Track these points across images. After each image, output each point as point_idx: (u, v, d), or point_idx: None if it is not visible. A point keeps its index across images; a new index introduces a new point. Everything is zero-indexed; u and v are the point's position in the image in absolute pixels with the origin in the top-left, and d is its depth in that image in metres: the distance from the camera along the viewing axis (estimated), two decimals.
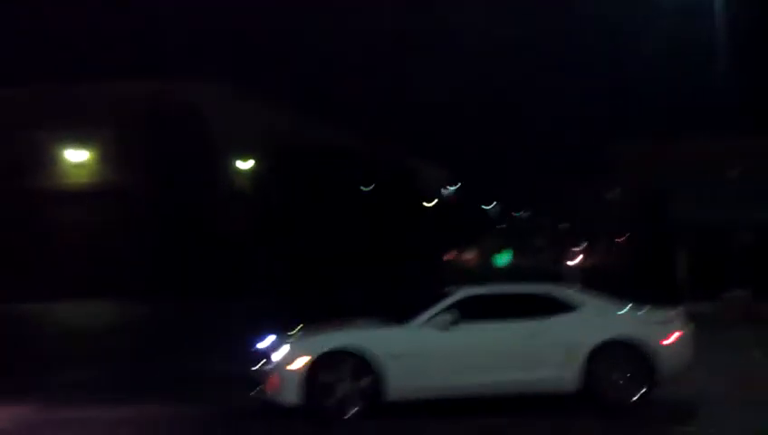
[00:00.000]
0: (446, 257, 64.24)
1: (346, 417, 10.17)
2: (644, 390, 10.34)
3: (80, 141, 37.28)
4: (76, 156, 37.40)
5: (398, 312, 11.48)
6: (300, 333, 11.15)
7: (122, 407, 11.49)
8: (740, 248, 28.90)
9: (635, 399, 10.26)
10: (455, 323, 10.59)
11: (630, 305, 11.27)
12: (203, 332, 21.49)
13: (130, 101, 35.71)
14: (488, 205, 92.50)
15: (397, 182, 50.80)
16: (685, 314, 11.16)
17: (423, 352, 10.51)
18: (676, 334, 10.77)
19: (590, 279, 11.80)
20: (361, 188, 48.18)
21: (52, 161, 37.69)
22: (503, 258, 74.59)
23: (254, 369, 10.78)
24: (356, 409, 10.24)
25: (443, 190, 65.67)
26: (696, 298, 28.17)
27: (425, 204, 58.55)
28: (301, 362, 10.28)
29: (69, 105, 36.31)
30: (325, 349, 10.37)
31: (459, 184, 72.54)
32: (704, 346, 11.39)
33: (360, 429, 9.74)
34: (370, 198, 48.93)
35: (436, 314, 10.72)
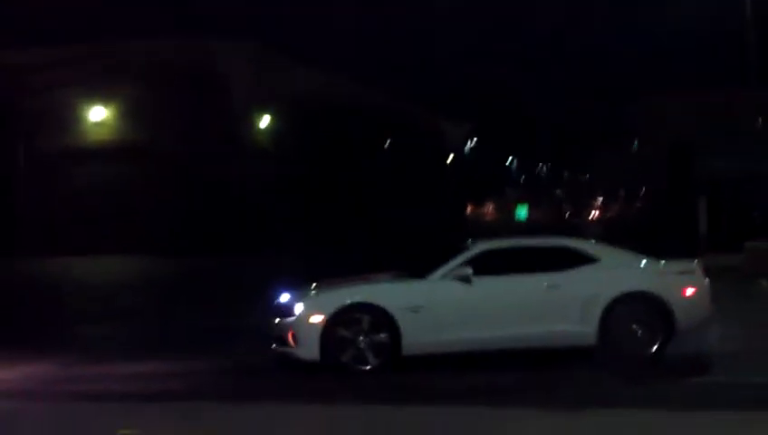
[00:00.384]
0: (465, 211, 64.23)
1: (364, 371, 10.21)
2: (661, 342, 10.31)
3: (103, 100, 37.31)
4: (99, 114, 37.45)
5: (417, 266, 11.49)
6: (318, 288, 11.17)
7: (142, 362, 11.61)
8: (763, 200, 28.71)
9: (653, 351, 10.23)
10: (473, 276, 10.56)
11: (649, 258, 11.21)
12: (225, 287, 21.64)
13: (153, 58, 35.64)
14: (508, 158, 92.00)
15: (418, 138, 50.64)
16: (704, 266, 11.09)
17: (441, 306, 10.51)
18: (695, 287, 10.71)
19: (609, 232, 11.73)
20: (383, 144, 48.10)
21: (76, 120, 37.78)
22: (522, 212, 74.47)
23: (273, 324, 10.83)
24: (374, 363, 10.28)
25: (464, 145, 65.37)
26: (719, 250, 28.12)
27: (446, 160, 58.37)
28: (318, 317, 10.31)
29: (91, 63, 36.29)
30: (343, 304, 10.39)
31: (479, 138, 72.15)
32: (724, 298, 11.34)
33: (377, 383, 9.77)
34: (391, 155, 48.87)
35: (455, 268, 10.69)
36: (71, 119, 37.63)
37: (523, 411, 8.23)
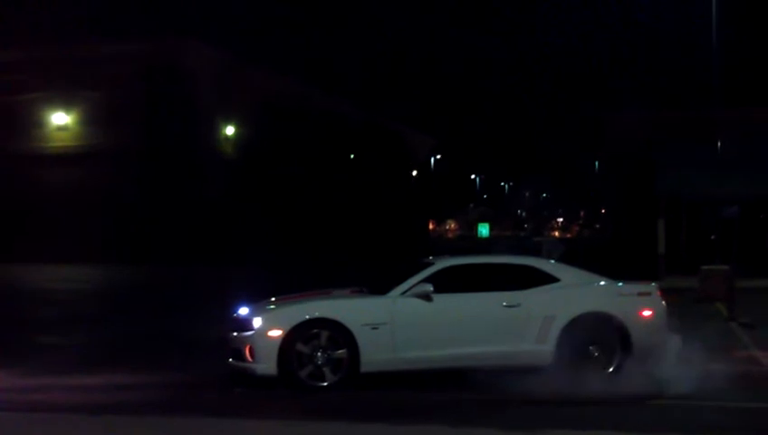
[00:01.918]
0: (428, 228, 64.34)
1: (321, 387, 10.14)
2: (618, 363, 10.37)
3: (64, 103, 36.80)
4: (60, 118, 36.96)
5: (377, 282, 11.45)
6: (277, 302, 11.09)
7: (93, 374, 11.41)
8: (723, 223, 29.02)
9: (609, 372, 10.28)
10: (434, 293, 10.55)
11: (607, 279, 11.29)
12: (186, 297, 21.47)
13: (118, 62, 35.27)
14: (472, 175, 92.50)
15: (383, 150, 50.70)
16: (661, 289, 11.18)
17: (401, 323, 10.47)
18: (653, 309, 10.79)
19: (571, 251, 11.82)
20: (348, 157, 48.11)
21: (38, 124, 37.27)
22: (483, 229, 74.85)
23: (230, 337, 10.73)
24: (331, 380, 10.22)
25: (429, 161, 65.58)
26: (677, 272, 28.42)
27: (410, 175, 58.47)
28: (277, 332, 10.23)
29: (54, 65, 35.85)
30: (302, 319, 10.32)
31: (444, 153, 72.48)
32: (681, 319, 11.43)
33: (333, 400, 9.72)
34: (356, 168, 48.87)
35: (416, 285, 10.68)
36: (32, 123, 37.16)
37: (482, 431, 8.21)
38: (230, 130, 39.10)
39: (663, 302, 10.97)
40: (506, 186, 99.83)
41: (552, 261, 11.54)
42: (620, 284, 11.23)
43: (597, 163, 41.57)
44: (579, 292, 10.91)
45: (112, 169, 35.13)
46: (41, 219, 34.97)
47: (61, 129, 36.95)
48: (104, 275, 25.70)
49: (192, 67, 35.97)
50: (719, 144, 29.65)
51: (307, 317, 10.35)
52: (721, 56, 29.62)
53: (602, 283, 11.20)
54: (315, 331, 10.29)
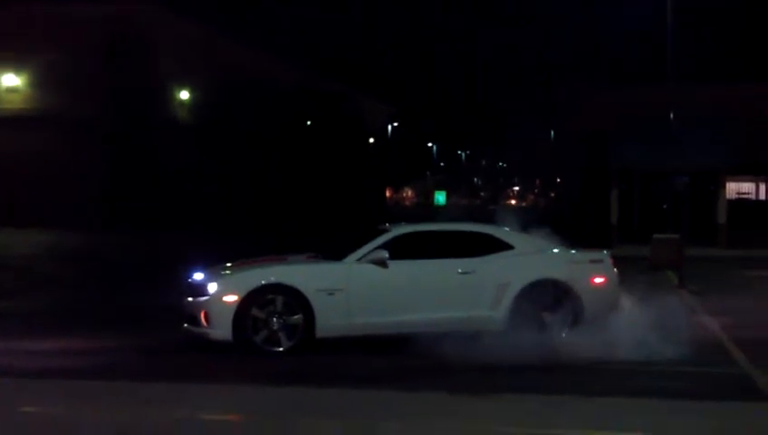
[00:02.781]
0: (385, 195, 64.42)
1: (276, 352, 10.19)
2: (570, 329, 10.54)
3: (18, 65, 35.97)
4: (12, 80, 36.13)
5: (333, 248, 11.50)
6: (232, 267, 11.09)
7: (53, 338, 11.38)
8: (674, 194, 29.52)
9: (561, 337, 10.44)
10: (389, 260, 10.62)
11: (561, 247, 11.45)
12: (142, 264, 21.33)
13: (74, 23, 34.53)
14: (429, 143, 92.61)
15: (340, 118, 50.55)
16: (613, 256, 11.38)
17: (356, 289, 10.54)
18: (604, 276, 10.99)
19: (525, 220, 11.95)
20: (305, 124, 47.89)
21: None
22: (440, 197, 75.11)
23: (186, 303, 10.71)
24: (287, 345, 10.26)
25: (386, 129, 65.53)
26: (629, 241, 28.87)
27: (367, 142, 58.40)
28: (232, 298, 10.25)
29: (8, 26, 35.00)
30: (257, 284, 10.34)
31: (401, 121, 72.45)
32: (631, 287, 11.66)
33: (288, 365, 9.77)
34: (313, 133, 48.69)
35: (371, 251, 10.73)
36: None
37: (432, 395, 8.33)
38: (188, 98, 38.66)
39: (614, 269, 11.18)
40: (463, 154, 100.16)
41: (507, 229, 11.68)
42: (573, 251, 11.41)
43: (552, 133, 41.89)
44: (532, 259, 11.06)
45: (69, 135, 34.54)
46: None
47: (11, 91, 36.21)
48: (57, 242, 25.35)
49: (154, 33, 35.40)
50: (671, 117, 30.05)
51: (263, 283, 10.37)
52: (674, 31, 29.92)
53: (555, 250, 11.36)
54: (271, 296, 10.32)
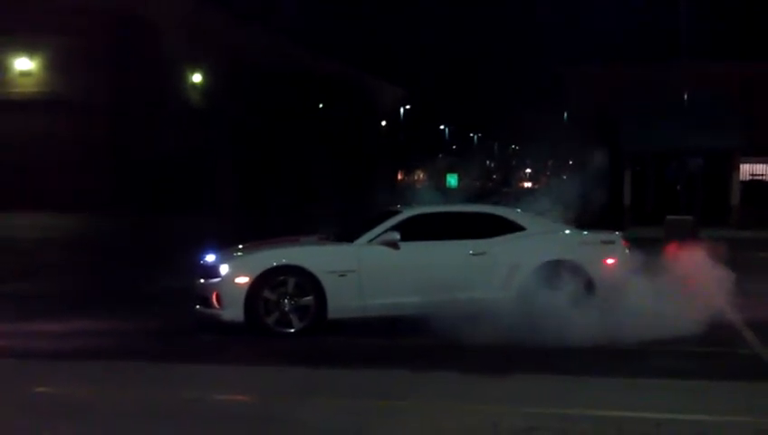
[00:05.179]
0: (396, 177, 64.35)
1: (288, 334, 10.20)
2: (582, 310, 10.46)
3: (28, 49, 36.05)
4: (24, 64, 36.20)
5: (345, 229, 11.49)
6: (244, 249, 11.10)
7: (66, 320, 11.44)
8: (688, 175, 29.37)
9: (573, 318, 10.38)
10: (401, 241, 10.61)
11: (573, 228, 11.41)
12: (154, 247, 21.39)
13: (86, 7, 34.54)
14: (441, 126, 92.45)
15: (353, 101, 50.49)
16: (625, 238, 11.33)
17: (368, 270, 10.53)
18: (616, 257, 10.95)
19: (537, 202, 11.93)
20: (317, 107, 47.85)
21: (2, 69, 36.46)
22: (452, 180, 74.93)
23: (197, 284, 10.74)
24: (298, 326, 10.28)
25: (398, 111, 65.40)
26: (642, 222, 28.77)
27: (379, 125, 58.32)
28: (244, 279, 10.26)
29: (17, 11, 35.03)
30: (269, 266, 10.35)
31: (413, 104, 72.26)
32: (645, 268, 11.59)
33: (300, 346, 9.79)
34: (325, 116, 48.65)
35: (383, 233, 10.72)
36: None
37: (443, 374, 8.34)
38: (198, 80, 38.64)
39: (626, 250, 11.13)
40: (475, 137, 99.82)
41: (519, 210, 11.65)
42: (585, 232, 11.37)
43: (565, 114, 41.65)
44: (544, 240, 11.03)
45: (80, 118, 34.60)
46: (2, 167, 34.40)
47: (23, 75, 36.28)
48: (68, 224, 25.46)
49: (161, 16, 35.41)
50: (685, 97, 29.82)
51: (274, 264, 10.38)
52: (688, 8, 29.63)
53: (567, 231, 11.33)
54: (282, 278, 10.32)
